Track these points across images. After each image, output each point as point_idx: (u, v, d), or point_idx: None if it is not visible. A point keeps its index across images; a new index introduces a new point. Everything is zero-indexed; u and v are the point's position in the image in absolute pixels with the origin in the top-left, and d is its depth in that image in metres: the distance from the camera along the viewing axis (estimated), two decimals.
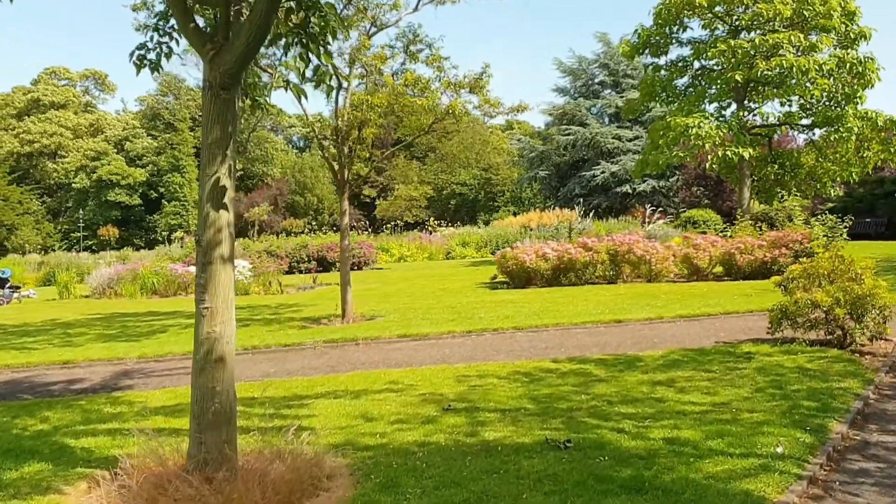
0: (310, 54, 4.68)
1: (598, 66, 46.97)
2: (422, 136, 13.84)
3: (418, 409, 6.14)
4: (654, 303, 12.25)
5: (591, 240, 17.01)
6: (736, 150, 22.03)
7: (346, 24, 11.08)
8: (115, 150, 67.95)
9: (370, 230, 55.04)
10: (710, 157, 22.30)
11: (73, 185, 65.86)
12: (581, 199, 45.09)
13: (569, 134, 45.31)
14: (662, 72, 25.84)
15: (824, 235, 15.41)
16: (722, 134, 22.16)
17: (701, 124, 21.82)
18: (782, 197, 27.08)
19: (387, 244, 34.41)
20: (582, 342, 8.97)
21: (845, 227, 16.11)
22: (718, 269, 16.39)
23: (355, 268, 26.81)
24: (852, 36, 22.98)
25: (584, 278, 16.89)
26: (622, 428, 5.26)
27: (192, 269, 20.78)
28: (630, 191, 43.03)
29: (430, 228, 41.21)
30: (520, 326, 10.16)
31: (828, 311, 7.39)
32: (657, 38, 25.04)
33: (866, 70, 22.17)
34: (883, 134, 23.20)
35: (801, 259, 15.49)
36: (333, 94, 12.18)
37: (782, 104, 25.19)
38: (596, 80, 47.08)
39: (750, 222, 21.80)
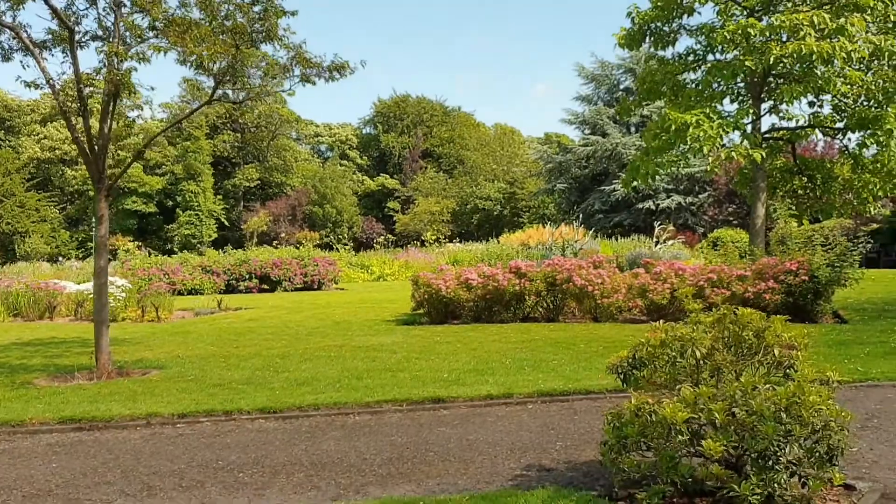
0: None
1: (623, 72, 42.92)
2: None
3: None
4: (545, 361, 8.47)
5: (526, 263, 13.21)
6: (743, 153, 17.94)
7: None
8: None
9: (391, 245, 52.20)
10: (711, 160, 18.23)
11: (90, 192, 64.42)
12: (601, 216, 41.08)
13: (588, 144, 41.31)
14: (668, 66, 21.80)
15: (828, 265, 11.31)
16: (724, 134, 18.09)
17: (699, 122, 17.80)
18: (813, 216, 22.77)
19: (368, 261, 31.00)
20: (321, 451, 5.29)
21: (860, 255, 11.95)
22: (693, 304, 12.38)
23: (311, 288, 23.46)
24: (893, 18, 18.63)
25: (521, 313, 13.14)
26: None
27: (64, 284, 17.69)
28: (653, 207, 38.84)
29: (428, 243, 37.72)
30: (282, 406, 6.49)
31: (692, 437, 3.61)
32: (659, 23, 21.07)
33: None
34: None
35: (794, 296, 11.51)
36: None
37: (811, 104, 20.93)
38: (621, 87, 42.96)
39: (759, 247, 17.81)
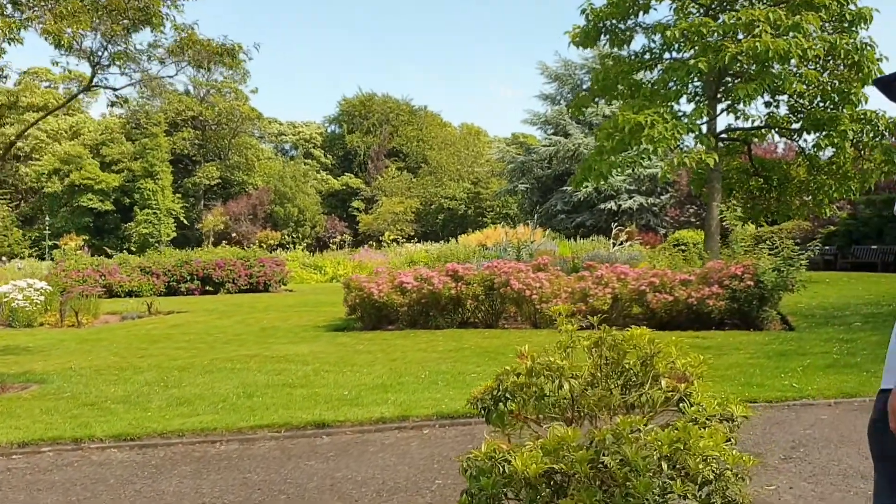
0: None
1: (586, 72, 42.45)
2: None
3: None
4: (465, 374, 7.78)
5: (464, 266, 12.52)
6: (695, 159, 17.43)
7: None
8: (92, 155, 64.74)
9: (352, 245, 51.35)
10: (663, 164, 17.69)
11: (46, 189, 62.69)
12: (564, 216, 40.68)
13: (550, 144, 40.84)
14: (624, 65, 21.22)
15: (774, 269, 10.76)
16: (678, 136, 17.57)
17: (654, 122, 17.28)
18: (770, 218, 22.38)
19: (322, 261, 30.17)
20: (155, 493, 4.56)
21: (807, 258, 11.42)
22: (636, 309, 11.79)
23: (257, 289, 22.60)
24: (849, 17, 18.24)
25: (461, 318, 12.45)
26: None
27: None
28: (615, 208, 38.44)
29: (386, 244, 36.95)
30: (142, 432, 5.71)
31: (554, 493, 2.93)
32: (614, 20, 20.52)
33: (864, 60, 17.49)
34: (887, 142, 18.48)
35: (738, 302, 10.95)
36: None
37: (767, 105, 20.54)
38: (584, 87, 42.46)
39: (719, 250, 17.40)
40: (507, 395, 3.30)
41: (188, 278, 21.81)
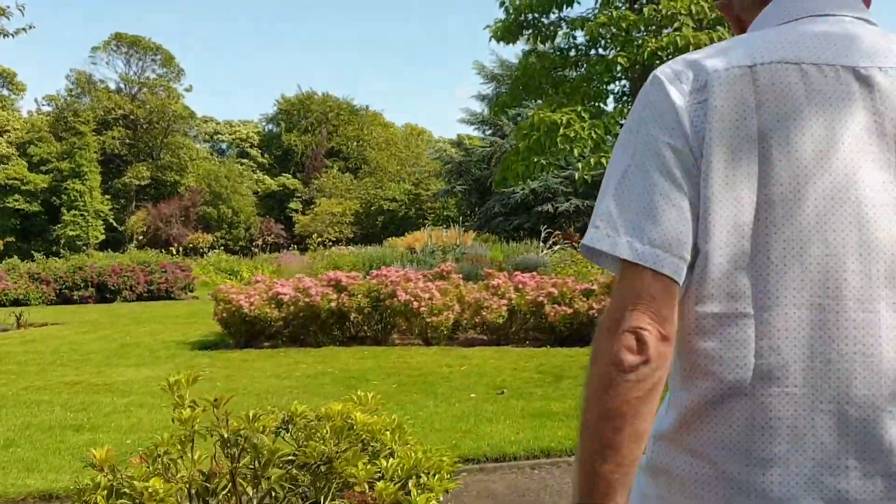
0: None
1: None
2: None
3: None
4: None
5: (347, 275, 11.31)
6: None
7: None
8: (19, 155, 61.90)
9: (290, 247, 49.89)
10: (580, 166, 16.71)
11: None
12: (502, 219, 39.78)
13: (488, 145, 39.91)
14: (547, 61, 20.26)
15: None
16: (597, 136, 16.63)
17: (570, 121, 16.31)
18: None
19: (238, 265, 28.62)
20: None
21: None
22: (534, 322, 10.71)
23: (158, 297, 21.05)
24: None
25: (350, 333, 11.26)
26: None
27: None
28: (551, 210, 37.66)
29: (312, 246, 35.55)
30: None
31: None
32: (536, 14, 19.52)
33: None
34: None
35: None
36: None
37: None
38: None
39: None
40: None
41: (81, 285, 20.15)
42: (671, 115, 1.02)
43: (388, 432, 2.08)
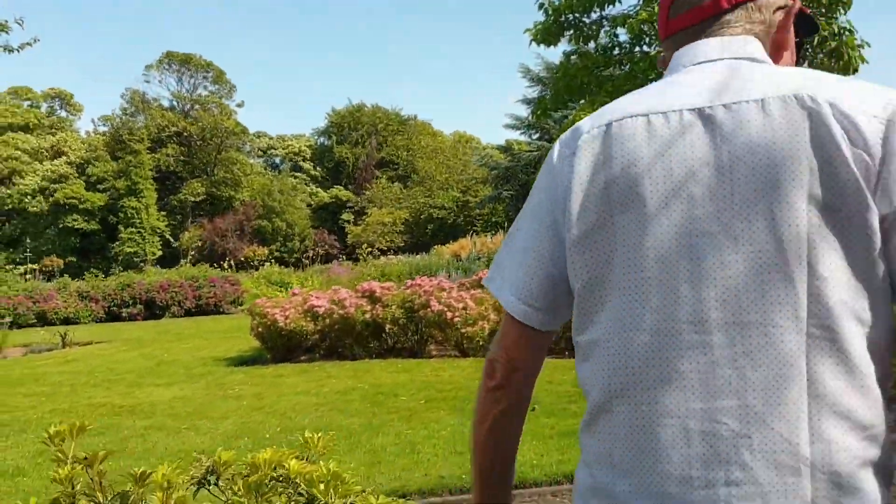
0: None
1: None
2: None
3: None
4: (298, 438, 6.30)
5: (381, 286, 11.04)
6: None
7: None
8: (77, 174, 63.67)
9: (340, 258, 50.09)
10: None
11: (30, 209, 61.57)
12: None
13: (535, 149, 39.42)
14: (590, 61, 19.76)
15: None
16: None
17: None
18: None
19: (289, 278, 28.73)
20: None
21: None
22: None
23: (206, 312, 21.20)
24: (825, 2, 16.74)
25: (386, 345, 11.00)
26: None
27: None
28: None
29: (362, 257, 35.48)
30: None
31: None
32: (577, 14, 19.05)
33: (843, 46, 15.97)
34: None
35: None
36: None
37: None
38: None
39: None
40: None
41: (130, 303, 20.39)
42: (551, 177, 1.15)
43: (321, 484, 1.76)
